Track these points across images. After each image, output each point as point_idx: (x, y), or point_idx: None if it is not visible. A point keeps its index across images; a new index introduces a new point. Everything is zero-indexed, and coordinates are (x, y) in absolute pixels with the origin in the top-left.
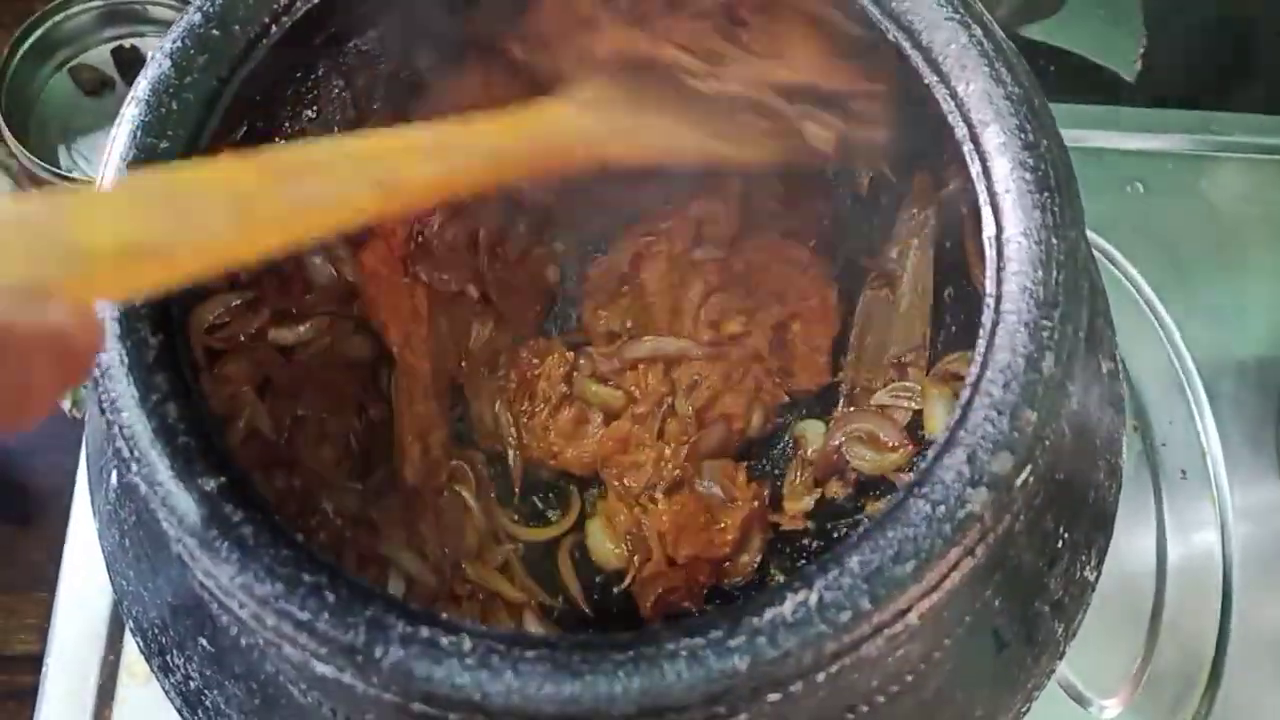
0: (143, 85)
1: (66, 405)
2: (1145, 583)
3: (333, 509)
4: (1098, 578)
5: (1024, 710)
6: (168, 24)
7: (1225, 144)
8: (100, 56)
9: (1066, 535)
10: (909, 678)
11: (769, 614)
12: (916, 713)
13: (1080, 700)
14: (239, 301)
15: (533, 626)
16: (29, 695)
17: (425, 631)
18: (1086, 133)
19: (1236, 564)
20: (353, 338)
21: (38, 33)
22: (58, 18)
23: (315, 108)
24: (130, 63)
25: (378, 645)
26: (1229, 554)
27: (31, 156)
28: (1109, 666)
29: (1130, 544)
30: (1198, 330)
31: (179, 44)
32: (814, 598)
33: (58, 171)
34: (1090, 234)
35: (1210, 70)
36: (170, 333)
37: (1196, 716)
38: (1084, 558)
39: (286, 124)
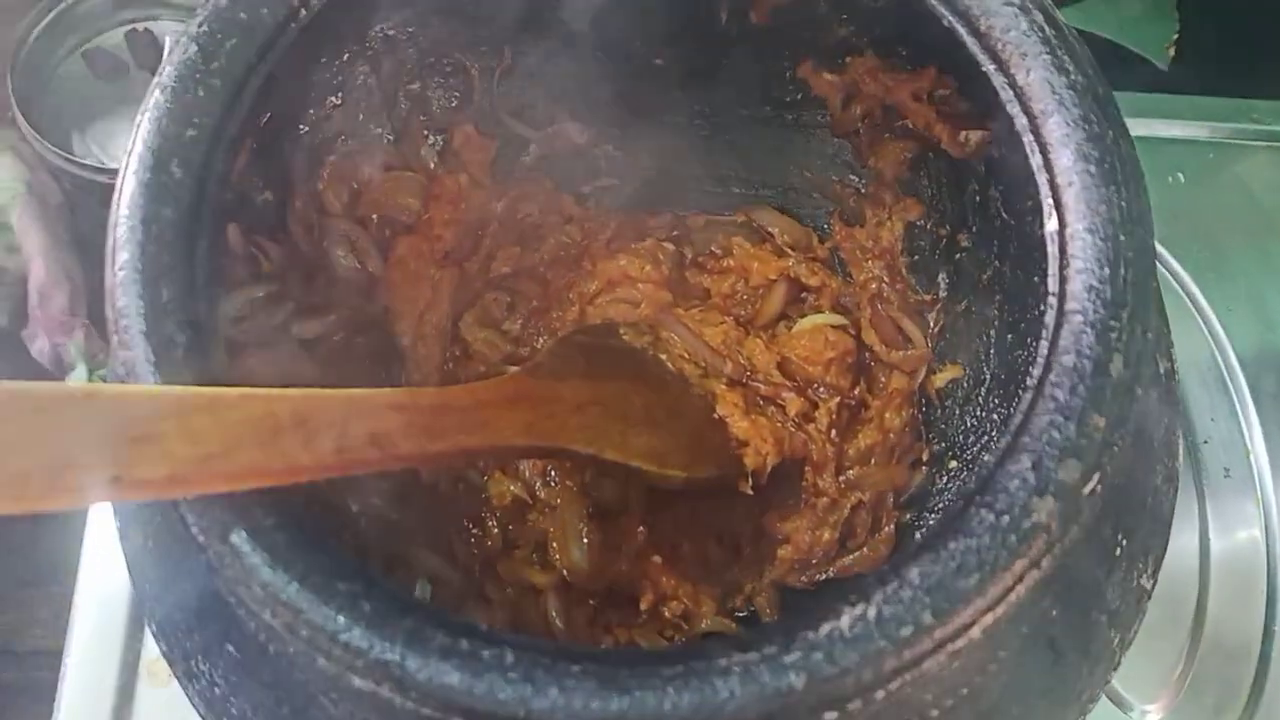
0: (168, 71)
1: None
2: (1188, 585)
3: (358, 509)
4: (1154, 586)
5: None
6: (183, 7)
7: (1267, 132)
8: (115, 40)
9: (1124, 543)
10: (964, 691)
11: (825, 628)
12: None
13: (1121, 705)
14: (263, 294)
15: (552, 609)
16: (44, 691)
17: (465, 644)
18: (1125, 121)
19: None
20: (366, 332)
21: (51, 16)
22: (71, 0)
23: (340, 94)
24: (145, 46)
25: (416, 658)
26: (1273, 554)
27: (45, 142)
28: (1151, 670)
29: (1172, 545)
30: (1240, 324)
31: (205, 28)
32: (873, 611)
33: (71, 157)
34: None
35: (1244, 56)
36: (198, 330)
37: None
38: (1141, 565)
39: (311, 111)
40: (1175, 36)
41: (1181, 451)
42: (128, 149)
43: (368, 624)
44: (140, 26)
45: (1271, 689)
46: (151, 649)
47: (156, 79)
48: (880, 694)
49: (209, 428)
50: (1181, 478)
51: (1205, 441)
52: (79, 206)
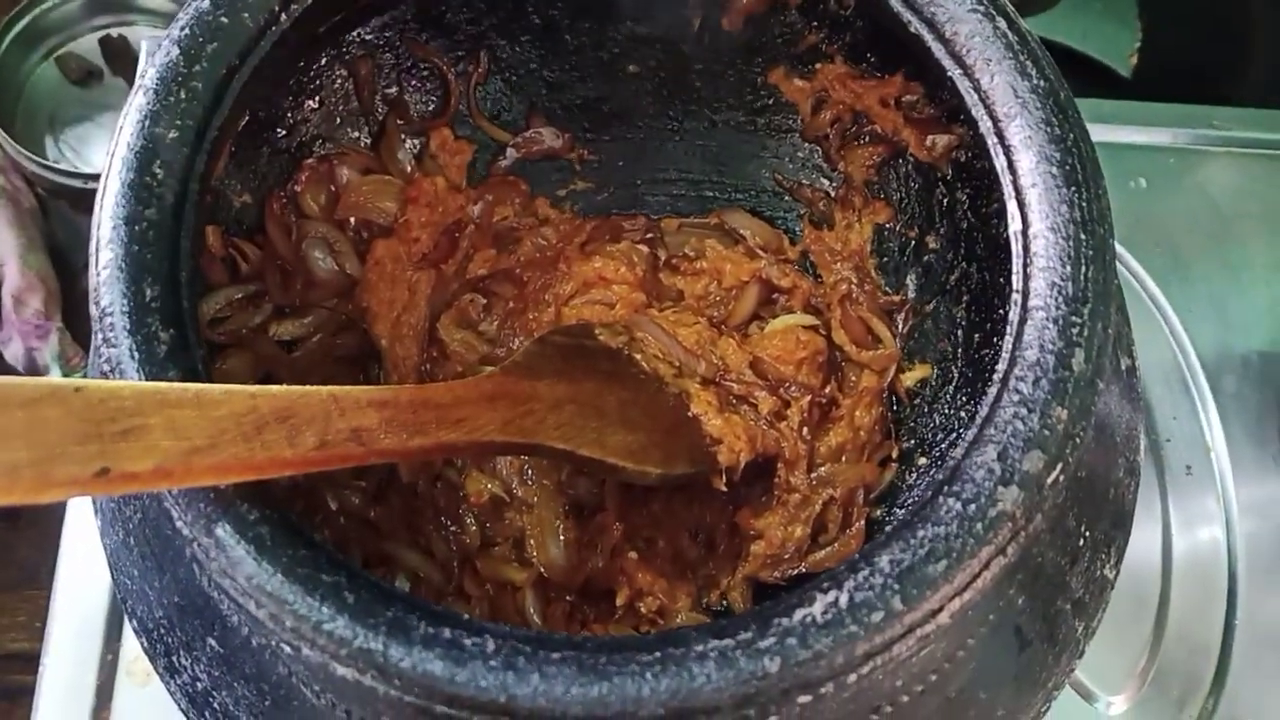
0: (150, 73)
1: None
2: (1151, 579)
3: (337, 506)
4: (1116, 576)
5: (1044, 710)
6: (156, 13)
7: (1227, 139)
8: (88, 45)
9: (1088, 533)
10: (933, 677)
11: (799, 614)
12: (940, 712)
13: (1087, 696)
14: (241, 295)
15: (530, 605)
16: (21, 694)
17: (448, 633)
18: (1088, 127)
19: (1241, 560)
20: (344, 333)
21: (24, 21)
22: (45, 6)
23: (318, 98)
24: (118, 52)
25: (399, 647)
26: (1234, 550)
27: (17, 146)
28: (1115, 663)
29: (1135, 540)
30: (1200, 326)
31: (187, 31)
32: (844, 598)
33: (44, 162)
34: None
35: (1205, 64)
36: (182, 328)
37: (1203, 713)
38: (1104, 555)
39: (289, 114)
40: (1138, 45)
41: (1144, 449)
42: (110, 150)
43: (351, 614)
44: (114, 32)
45: (1233, 682)
46: (130, 648)
47: (139, 81)
48: (852, 678)
49: (194, 422)
50: (1144, 475)
51: (1168, 440)
52: (52, 211)
